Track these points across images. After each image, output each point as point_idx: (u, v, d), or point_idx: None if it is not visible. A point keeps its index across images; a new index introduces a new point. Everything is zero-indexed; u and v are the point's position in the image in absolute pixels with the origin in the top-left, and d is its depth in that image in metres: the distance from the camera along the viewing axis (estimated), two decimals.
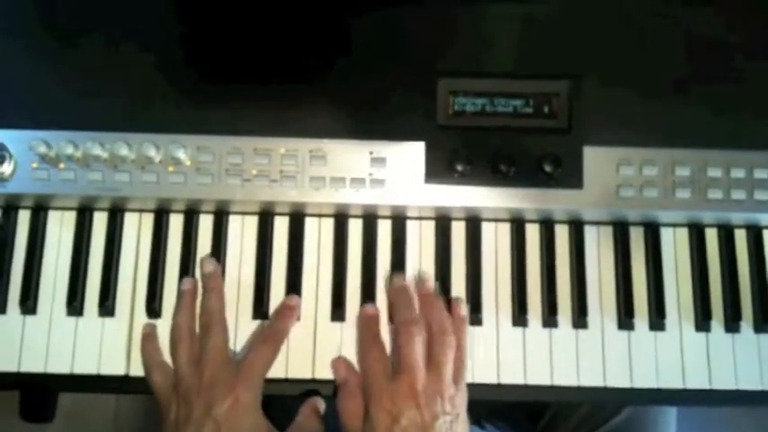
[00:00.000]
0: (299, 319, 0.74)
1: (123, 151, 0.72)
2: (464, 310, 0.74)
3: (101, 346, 0.74)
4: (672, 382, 0.73)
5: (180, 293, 0.74)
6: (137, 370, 0.73)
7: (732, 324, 0.75)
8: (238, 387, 0.68)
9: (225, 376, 0.68)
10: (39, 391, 0.78)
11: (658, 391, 0.73)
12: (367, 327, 0.73)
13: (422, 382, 0.67)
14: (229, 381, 0.68)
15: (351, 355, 0.74)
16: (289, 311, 0.73)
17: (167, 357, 0.73)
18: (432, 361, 0.69)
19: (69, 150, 0.72)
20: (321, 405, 0.73)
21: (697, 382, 0.74)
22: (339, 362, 0.73)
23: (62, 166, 0.73)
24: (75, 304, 0.74)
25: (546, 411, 0.90)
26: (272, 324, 0.73)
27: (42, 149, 0.71)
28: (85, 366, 0.73)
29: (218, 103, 0.74)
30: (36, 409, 1.03)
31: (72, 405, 1.48)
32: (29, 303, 0.74)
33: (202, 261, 0.75)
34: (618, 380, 0.73)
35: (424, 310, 0.72)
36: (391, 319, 0.73)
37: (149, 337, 0.74)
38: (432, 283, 0.75)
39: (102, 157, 0.72)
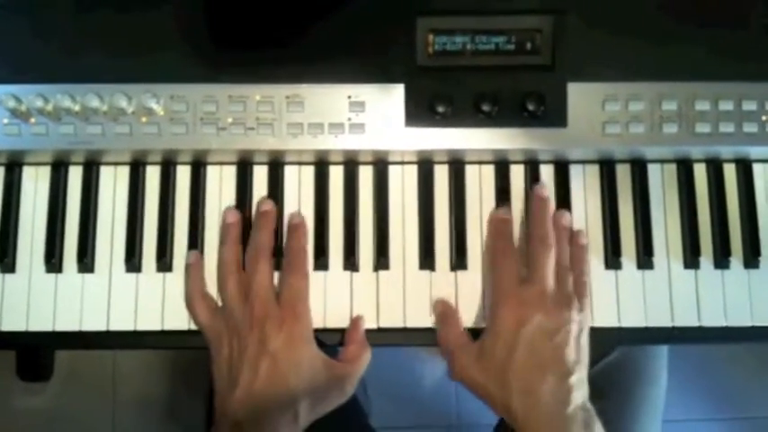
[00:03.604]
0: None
1: (94, 103, 0.70)
2: (584, 239, 0.73)
3: (82, 302, 0.73)
4: (660, 320, 0.73)
5: (224, 227, 0.73)
6: (117, 324, 0.72)
7: (721, 260, 0.74)
8: (288, 320, 0.68)
9: (274, 311, 0.68)
10: (22, 350, 0.78)
11: (647, 330, 0.73)
12: (500, 231, 0.73)
13: (551, 292, 0.68)
14: (279, 315, 0.68)
15: (357, 305, 0.73)
16: (295, 230, 0.73)
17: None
18: (559, 273, 0.70)
19: (39, 104, 0.69)
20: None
21: (686, 319, 0.73)
22: (438, 302, 0.73)
23: (33, 120, 0.71)
24: (53, 261, 0.73)
25: None
26: (288, 250, 0.72)
27: (12, 104, 0.69)
28: (67, 323, 0.72)
29: (189, 51, 0.71)
30: (33, 368, 1.03)
31: (69, 364, 1.49)
32: (7, 261, 0.73)
33: (261, 201, 0.74)
34: (606, 319, 0.73)
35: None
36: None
37: (194, 266, 0.72)
38: (569, 218, 0.74)
39: (73, 110, 0.70)
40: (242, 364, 0.66)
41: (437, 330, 0.72)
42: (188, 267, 0.73)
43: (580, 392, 0.66)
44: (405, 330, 0.73)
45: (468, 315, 0.73)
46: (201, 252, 0.73)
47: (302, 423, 0.67)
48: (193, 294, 0.71)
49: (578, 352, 0.67)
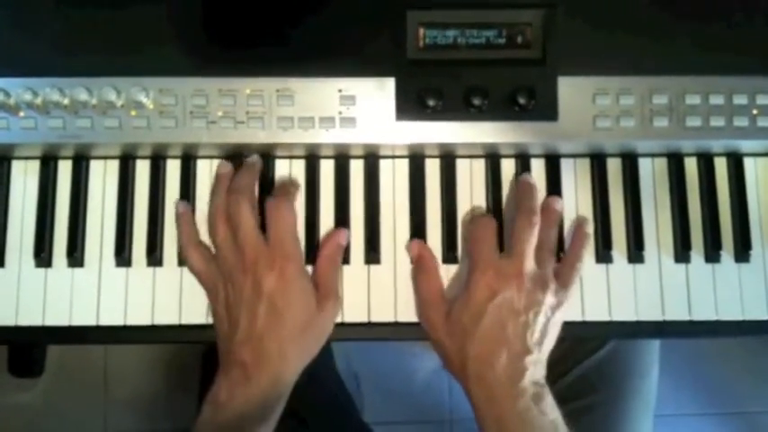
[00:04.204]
0: None
1: (83, 96, 0.69)
2: (589, 228, 0.73)
3: (71, 297, 0.72)
4: (651, 314, 0.73)
5: (216, 177, 0.74)
6: (107, 319, 0.72)
7: (712, 254, 0.74)
8: (278, 259, 0.68)
9: (264, 252, 0.68)
10: (12, 345, 0.77)
11: (638, 324, 0.73)
12: (482, 212, 0.74)
13: (529, 271, 0.68)
14: (269, 255, 0.68)
15: (348, 299, 0.73)
16: (249, 168, 0.73)
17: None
18: (541, 255, 0.69)
19: (28, 97, 0.69)
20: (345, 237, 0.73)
21: (677, 314, 0.73)
22: (414, 242, 0.73)
23: (22, 114, 0.70)
24: (43, 256, 0.72)
25: None
26: (274, 192, 0.73)
27: (0, 98, 0.69)
28: (57, 318, 0.72)
29: (179, 44, 0.71)
30: (24, 364, 1.03)
31: (60, 360, 1.48)
32: None
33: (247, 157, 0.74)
34: (597, 313, 0.73)
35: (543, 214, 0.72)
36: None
37: (184, 215, 0.73)
38: (561, 203, 0.74)
39: (62, 104, 0.70)
40: (240, 307, 0.67)
41: (414, 274, 0.73)
42: (178, 217, 0.73)
43: (535, 372, 0.67)
44: (396, 325, 0.73)
45: None
46: None
47: (307, 354, 0.69)
48: (187, 243, 0.72)
49: (543, 334, 0.67)
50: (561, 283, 0.69)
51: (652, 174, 0.75)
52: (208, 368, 0.78)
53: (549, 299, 0.68)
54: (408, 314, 0.73)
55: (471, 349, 0.67)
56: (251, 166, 0.73)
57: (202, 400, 0.68)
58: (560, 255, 0.73)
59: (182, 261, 0.73)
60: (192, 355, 1.20)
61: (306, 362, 0.70)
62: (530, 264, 0.68)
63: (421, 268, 0.72)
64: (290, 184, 0.74)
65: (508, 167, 0.75)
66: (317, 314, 0.69)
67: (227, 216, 0.70)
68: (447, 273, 0.73)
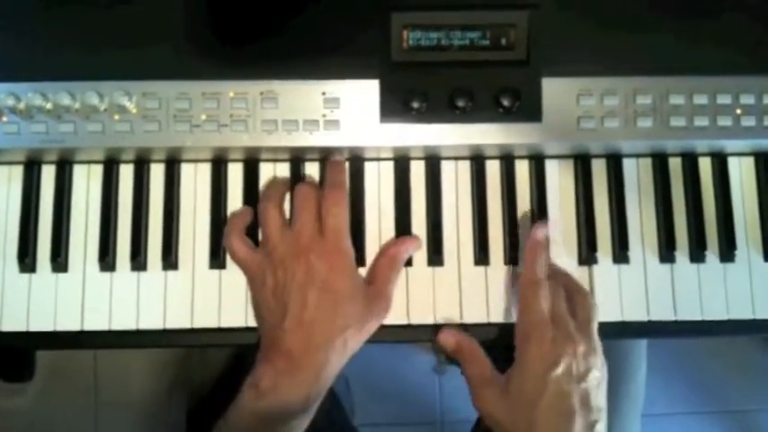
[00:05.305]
0: None
1: (66, 101, 0.69)
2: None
3: (56, 301, 0.72)
4: (636, 314, 0.73)
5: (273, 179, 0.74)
6: (91, 324, 0.72)
7: (697, 254, 0.74)
8: (333, 252, 0.69)
9: (318, 243, 0.69)
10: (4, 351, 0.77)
11: (623, 324, 0.73)
12: (537, 254, 0.70)
13: (576, 334, 0.67)
14: (323, 247, 0.69)
15: None
16: (334, 165, 0.73)
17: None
18: (579, 320, 0.69)
19: (10, 102, 0.69)
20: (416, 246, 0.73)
21: (662, 314, 0.73)
22: (447, 333, 0.71)
23: (4, 119, 0.70)
24: (26, 261, 0.72)
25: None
26: (329, 184, 0.72)
27: None
28: (42, 323, 0.72)
29: (162, 47, 0.71)
30: (14, 368, 1.02)
31: (51, 364, 1.48)
32: None
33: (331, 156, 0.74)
34: None
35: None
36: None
37: (242, 212, 0.73)
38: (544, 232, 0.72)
39: (44, 108, 0.69)
40: (290, 294, 0.67)
41: (462, 366, 0.71)
42: (234, 213, 0.73)
43: None
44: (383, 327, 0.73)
45: (442, 311, 0.73)
46: (176, 249, 0.73)
47: (350, 350, 0.69)
48: (233, 230, 0.72)
49: (602, 399, 0.67)
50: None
51: (637, 174, 0.75)
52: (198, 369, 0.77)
53: (599, 362, 0.68)
54: (395, 317, 0.72)
55: (539, 421, 0.65)
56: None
57: (193, 401, 0.68)
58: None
59: (166, 265, 0.72)
60: (184, 359, 1.20)
61: (347, 359, 0.69)
62: (572, 329, 0.67)
63: (464, 357, 0.71)
64: (342, 177, 0.73)
65: (493, 169, 0.75)
66: (366, 312, 0.69)
67: (282, 206, 0.72)
68: (433, 275, 0.73)
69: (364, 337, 0.70)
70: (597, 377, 0.67)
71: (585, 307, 0.70)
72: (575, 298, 0.70)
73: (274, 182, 0.74)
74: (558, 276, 0.72)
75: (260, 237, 0.72)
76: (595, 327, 0.69)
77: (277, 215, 0.71)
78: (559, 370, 0.65)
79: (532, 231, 0.72)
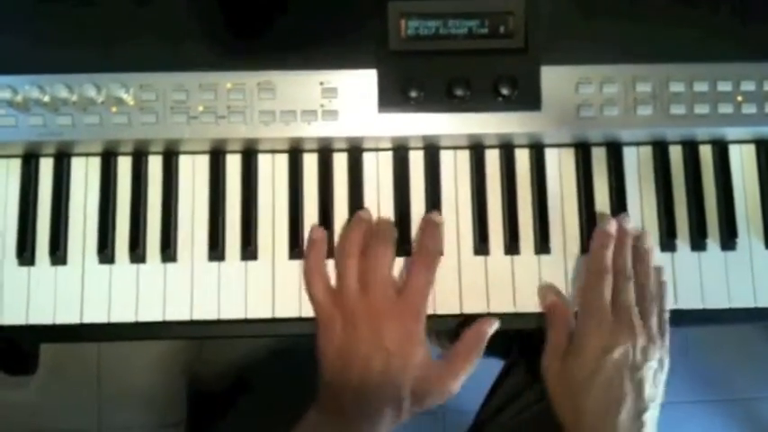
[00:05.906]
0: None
1: (63, 93, 0.69)
2: (664, 276, 0.73)
3: (55, 294, 0.72)
4: None
5: (356, 215, 0.72)
6: (91, 317, 0.71)
7: (698, 242, 0.73)
8: (407, 318, 0.67)
9: (393, 305, 0.67)
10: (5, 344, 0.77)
11: None
12: (602, 255, 0.70)
13: (638, 324, 0.68)
14: (398, 310, 0.67)
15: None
16: (431, 227, 0.71)
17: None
18: (646, 312, 0.69)
19: (8, 95, 0.69)
20: (493, 327, 0.71)
21: None
22: (549, 289, 0.72)
23: (2, 112, 0.70)
24: (25, 254, 0.72)
25: (517, 338, 0.90)
26: (421, 247, 0.71)
27: None
28: (41, 316, 0.72)
29: (158, 39, 0.71)
30: (17, 361, 1.02)
31: (54, 357, 1.48)
32: None
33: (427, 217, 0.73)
34: None
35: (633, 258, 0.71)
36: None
37: (318, 241, 0.71)
38: (651, 252, 0.72)
39: (42, 101, 0.69)
40: (355, 354, 0.67)
41: (547, 328, 0.71)
42: (312, 242, 0.71)
43: (653, 428, 0.67)
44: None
45: (441, 301, 0.72)
46: (175, 241, 0.73)
47: (404, 417, 0.68)
48: (313, 269, 0.70)
49: (656, 389, 0.68)
50: (660, 335, 0.69)
51: (637, 162, 0.75)
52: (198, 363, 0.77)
53: (659, 353, 0.68)
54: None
55: (587, 404, 0.66)
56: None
57: (194, 394, 0.68)
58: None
59: (165, 257, 0.72)
60: (185, 352, 1.20)
61: (414, 414, 0.68)
62: (637, 320, 0.68)
63: (553, 321, 0.71)
64: (441, 245, 0.72)
65: (493, 158, 0.75)
66: (431, 390, 0.68)
67: (360, 252, 0.69)
68: None
69: (422, 408, 0.68)
70: (654, 368, 0.67)
71: (654, 298, 0.70)
72: (646, 289, 0.70)
73: (356, 223, 0.72)
74: (642, 264, 0.71)
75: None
76: (658, 321, 0.69)
77: (355, 264, 0.69)
78: (615, 356, 0.66)
79: (606, 223, 0.71)
